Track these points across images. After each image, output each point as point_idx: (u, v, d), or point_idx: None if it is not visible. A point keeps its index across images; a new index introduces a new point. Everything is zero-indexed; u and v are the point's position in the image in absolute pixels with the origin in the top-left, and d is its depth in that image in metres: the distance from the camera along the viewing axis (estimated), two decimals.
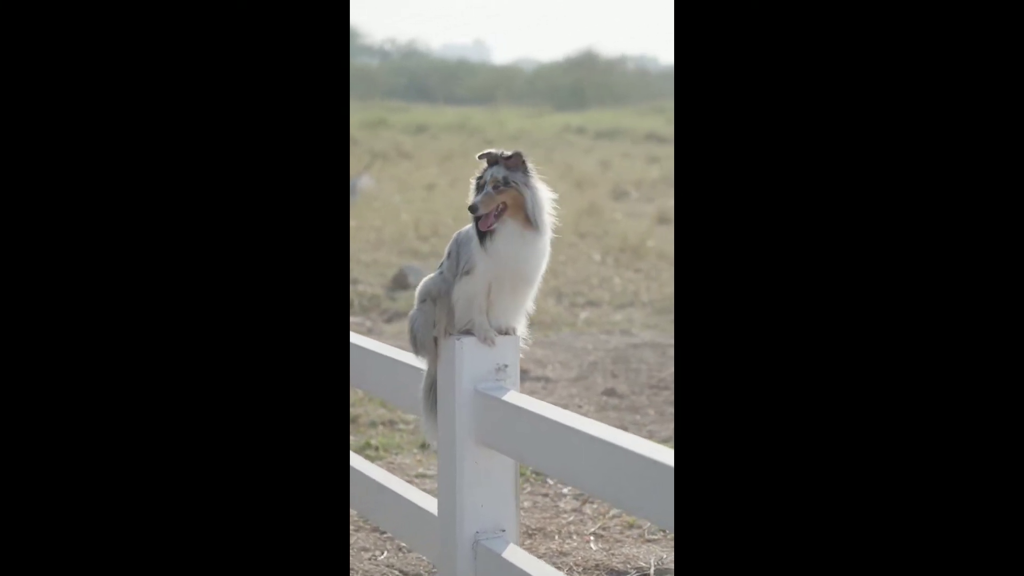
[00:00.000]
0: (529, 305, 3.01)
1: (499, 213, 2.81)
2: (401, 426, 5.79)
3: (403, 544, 4.23)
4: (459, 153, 21.33)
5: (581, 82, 39.69)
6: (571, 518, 4.49)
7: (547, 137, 25.49)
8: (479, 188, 2.83)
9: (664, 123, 28.11)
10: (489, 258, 2.85)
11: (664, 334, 7.84)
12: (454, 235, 3.03)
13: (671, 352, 7.23)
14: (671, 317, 8.37)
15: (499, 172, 2.81)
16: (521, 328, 3.03)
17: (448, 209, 14.01)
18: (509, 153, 2.84)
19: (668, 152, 21.64)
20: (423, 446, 5.50)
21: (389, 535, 4.30)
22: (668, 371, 6.77)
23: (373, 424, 5.72)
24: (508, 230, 2.82)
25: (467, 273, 2.93)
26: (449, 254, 3.01)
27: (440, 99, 37.23)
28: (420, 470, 5.08)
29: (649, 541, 4.27)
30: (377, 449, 5.37)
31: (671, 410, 5.92)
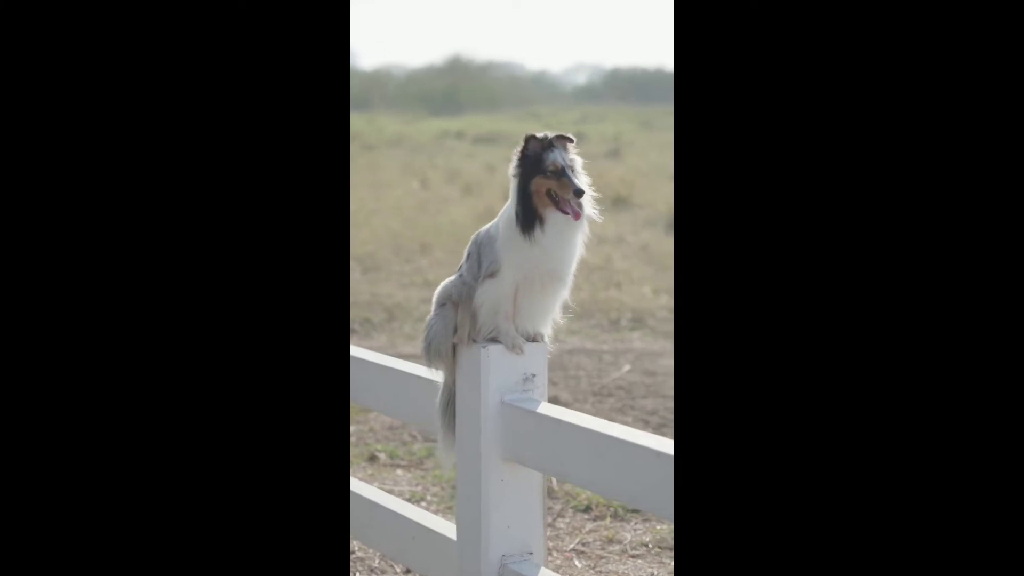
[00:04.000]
0: (557, 311, 2.80)
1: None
2: None
3: (375, 565, 3.99)
4: None
5: (455, 87, 39.57)
6: (547, 533, 4.28)
7: (427, 142, 25.26)
8: (557, 173, 2.62)
9: (541, 128, 28.04)
10: (531, 250, 2.64)
11: (591, 340, 7.68)
12: (473, 236, 2.82)
13: (607, 358, 7.08)
14: (592, 322, 8.23)
15: (568, 157, 2.66)
16: (548, 334, 2.82)
17: None
18: (573, 136, 2.69)
19: None
20: (371, 459, 5.24)
21: (360, 555, 4.05)
22: (608, 377, 6.61)
23: None
24: (556, 219, 2.64)
25: (491, 276, 2.72)
26: (468, 256, 2.80)
27: None
28: (376, 485, 4.82)
29: (633, 556, 4.09)
30: None
31: (620, 417, 5.75)
